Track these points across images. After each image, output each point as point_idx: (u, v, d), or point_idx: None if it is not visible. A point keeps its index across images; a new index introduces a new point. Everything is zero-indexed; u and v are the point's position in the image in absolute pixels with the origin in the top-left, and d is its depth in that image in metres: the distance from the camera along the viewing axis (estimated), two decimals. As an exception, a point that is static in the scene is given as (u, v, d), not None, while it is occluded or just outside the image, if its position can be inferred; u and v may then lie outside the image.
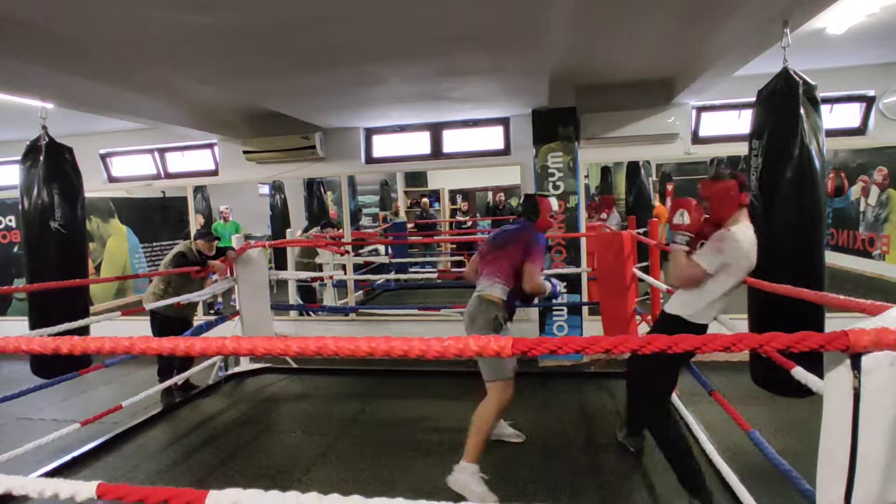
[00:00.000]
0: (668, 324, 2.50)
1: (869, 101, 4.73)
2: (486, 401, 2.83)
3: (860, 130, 4.82)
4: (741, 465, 2.75)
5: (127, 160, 6.33)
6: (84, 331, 3.46)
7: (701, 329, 2.46)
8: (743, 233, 2.39)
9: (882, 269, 7.28)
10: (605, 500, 2.75)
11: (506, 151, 5.49)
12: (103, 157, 6.32)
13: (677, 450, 2.48)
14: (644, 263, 4.80)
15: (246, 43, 3.02)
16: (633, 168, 7.72)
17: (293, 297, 6.80)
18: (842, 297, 1.46)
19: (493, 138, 5.53)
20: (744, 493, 2.47)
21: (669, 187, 10.62)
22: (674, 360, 2.44)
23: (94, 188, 6.28)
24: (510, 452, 3.29)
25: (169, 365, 4.58)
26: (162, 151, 6.18)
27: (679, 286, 2.53)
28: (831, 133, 4.84)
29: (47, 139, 3.27)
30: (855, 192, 8.01)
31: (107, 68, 3.60)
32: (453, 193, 11.26)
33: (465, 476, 2.65)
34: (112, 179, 6.43)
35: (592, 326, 5.13)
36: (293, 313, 6.29)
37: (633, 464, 3.09)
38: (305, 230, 7.42)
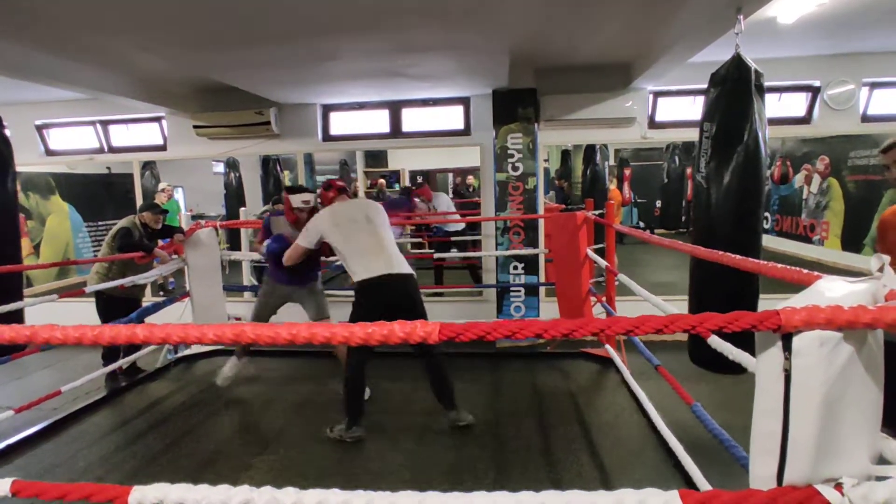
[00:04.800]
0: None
1: (815, 92, 4.89)
2: None
3: (805, 120, 4.99)
4: (683, 437, 2.84)
5: (66, 132, 5.95)
6: (18, 314, 3.26)
7: (361, 283, 3.22)
8: (319, 213, 3.46)
9: (821, 254, 7.66)
10: (556, 478, 2.81)
11: (465, 132, 5.44)
12: (39, 129, 5.92)
13: (353, 388, 3.28)
14: (599, 245, 4.88)
15: (189, 7, 2.85)
16: (589, 152, 7.81)
17: (248, 278, 6.63)
18: (779, 265, 1.50)
19: (452, 118, 5.46)
20: (689, 463, 2.54)
21: (626, 172, 10.84)
22: (361, 311, 3.24)
23: (29, 161, 5.91)
24: (462, 433, 3.31)
25: (114, 348, 4.38)
26: (105, 124, 5.84)
27: (292, 263, 3.54)
28: (779, 121, 5.04)
29: (-28, 106, 3.05)
30: (799, 179, 8.35)
31: (40, 31, 3.33)
32: (414, 174, 11.17)
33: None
34: (50, 153, 6.04)
35: (549, 307, 5.19)
36: (248, 294, 6.12)
37: (584, 443, 3.17)
38: (263, 213, 7.19)
